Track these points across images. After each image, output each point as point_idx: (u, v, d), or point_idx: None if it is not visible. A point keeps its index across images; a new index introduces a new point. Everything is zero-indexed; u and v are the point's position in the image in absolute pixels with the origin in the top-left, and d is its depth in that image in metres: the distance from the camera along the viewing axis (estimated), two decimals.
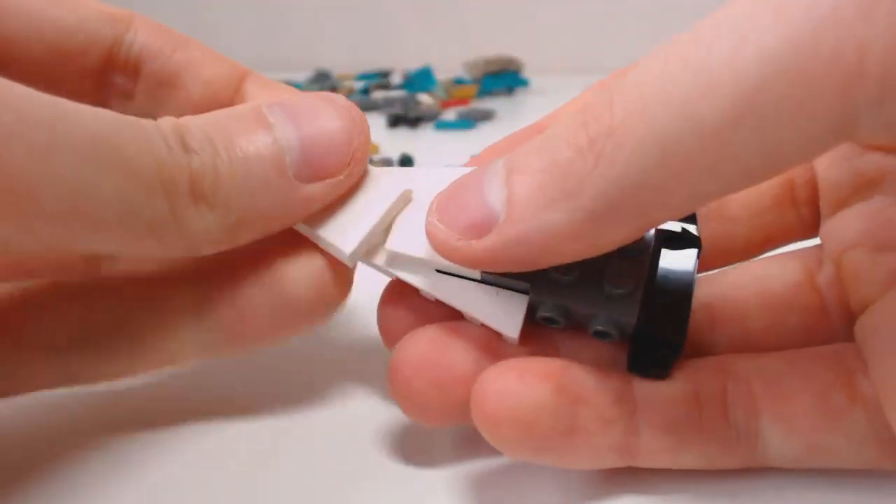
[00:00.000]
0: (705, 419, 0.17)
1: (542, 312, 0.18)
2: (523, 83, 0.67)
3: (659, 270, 0.18)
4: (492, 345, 0.18)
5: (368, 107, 0.62)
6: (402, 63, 0.75)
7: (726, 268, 0.20)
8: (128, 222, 0.16)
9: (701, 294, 0.19)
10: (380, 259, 0.19)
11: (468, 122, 0.55)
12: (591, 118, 0.15)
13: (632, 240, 0.16)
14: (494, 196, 0.16)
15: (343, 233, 0.19)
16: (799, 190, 0.21)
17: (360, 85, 0.71)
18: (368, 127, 0.19)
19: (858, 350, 0.18)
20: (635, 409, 0.17)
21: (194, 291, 0.19)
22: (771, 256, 0.21)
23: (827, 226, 0.20)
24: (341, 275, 0.19)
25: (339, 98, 0.19)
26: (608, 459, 0.17)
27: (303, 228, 0.19)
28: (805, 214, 0.20)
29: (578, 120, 0.15)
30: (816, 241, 0.21)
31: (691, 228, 0.19)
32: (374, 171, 0.19)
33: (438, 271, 0.18)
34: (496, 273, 0.18)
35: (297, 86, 0.69)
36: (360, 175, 0.19)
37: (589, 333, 0.18)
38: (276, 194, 0.17)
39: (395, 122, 0.56)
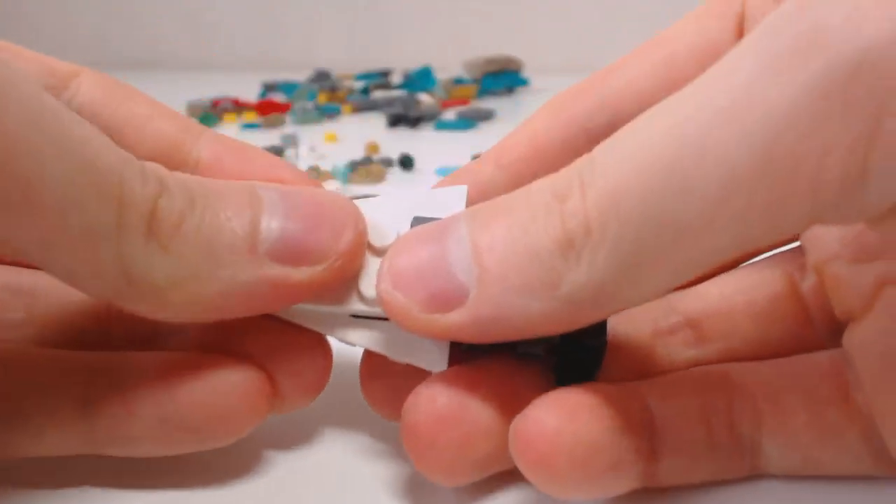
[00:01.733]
0: (714, 435, 0.18)
1: None
2: (523, 83, 0.67)
3: None
4: (508, 386, 0.18)
5: (368, 107, 0.62)
6: (402, 63, 0.75)
7: (707, 282, 0.20)
8: (67, 216, 0.15)
9: (690, 310, 0.19)
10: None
11: (468, 121, 0.55)
12: (568, 213, 0.15)
13: (605, 317, 0.17)
14: (462, 269, 0.16)
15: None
16: None
17: (360, 85, 0.71)
18: (364, 221, 0.18)
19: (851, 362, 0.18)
20: (655, 432, 0.17)
21: (86, 381, 0.18)
22: (751, 265, 0.20)
23: (808, 232, 0.20)
24: (249, 405, 0.18)
25: (334, 190, 0.18)
26: (633, 485, 0.17)
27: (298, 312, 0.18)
28: None
29: (555, 209, 0.15)
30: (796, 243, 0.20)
31: None
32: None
33: (354, 316, 0.18)
34: None
35: (296, 86, 0.69)
36: (353, 267, 0.18)
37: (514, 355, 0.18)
38: (240, 267, 0.17)
39: (395, 121, 0.56)
